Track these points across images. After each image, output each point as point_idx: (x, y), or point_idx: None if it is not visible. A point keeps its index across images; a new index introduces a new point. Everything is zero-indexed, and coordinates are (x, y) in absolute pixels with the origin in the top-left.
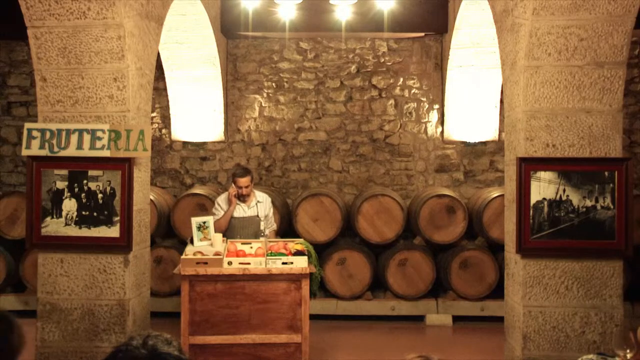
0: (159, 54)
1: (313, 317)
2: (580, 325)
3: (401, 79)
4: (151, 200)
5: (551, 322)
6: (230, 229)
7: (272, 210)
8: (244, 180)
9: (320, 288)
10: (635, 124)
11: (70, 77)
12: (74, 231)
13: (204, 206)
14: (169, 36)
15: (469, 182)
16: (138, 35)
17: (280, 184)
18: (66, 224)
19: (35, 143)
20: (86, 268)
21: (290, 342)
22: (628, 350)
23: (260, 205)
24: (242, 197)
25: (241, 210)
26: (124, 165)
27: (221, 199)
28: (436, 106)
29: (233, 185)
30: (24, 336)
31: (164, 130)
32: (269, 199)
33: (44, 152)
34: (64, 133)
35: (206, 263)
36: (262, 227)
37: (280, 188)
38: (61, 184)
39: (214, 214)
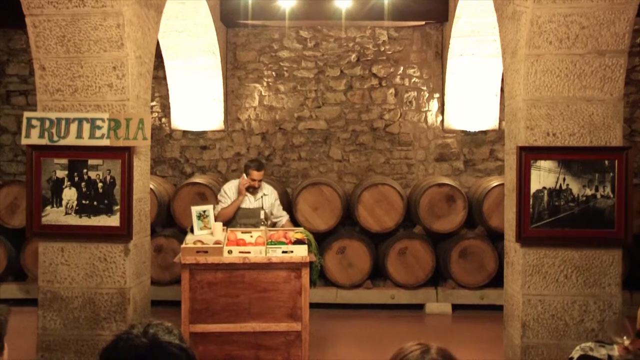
0: (158, 42)
1: (313, 305)
2: (579, 314)
3: (401, 68)
4: (151, 189)
5: (550, 311)
6: (233, 218)
7: (279, 202)
8: (259, 174)
9: (320, 277)
10: (635, 113)
11: (69, 65)
12: (74, 220)
13: (204, 195)
14: (168, 25)
15: (469, 171)
16: (137, 23)
17: (280, 173)
18: (66, 213)
19: (35, 132)
20: (87, 257)
21: (291, 331)
22: (625, 337)
23: (265, 198)
24: (253, 190)
25: (247, 202)
26: (124, 154)
27: (228, 187)
28: (436, 95)
29: (244, 176)
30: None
31: (163, 119)
32: (275, 192)
33: (44, 141)
34: (63, 122)
35: (206, 252)
36: (262, 217)
37: (280, 177)
38: (61, 173)
39: (219, 201)
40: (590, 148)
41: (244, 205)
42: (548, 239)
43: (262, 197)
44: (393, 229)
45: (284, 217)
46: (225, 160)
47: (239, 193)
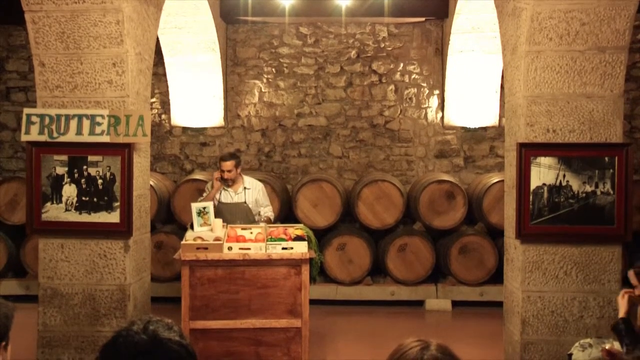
0: (158, 39)
1: (313, 302)
2: (578, 310)
3: (401, 64)
4: (151, 185)
5: (550, 307)
6: (217, 214)
7: (265, 196)
8: (226, 164)
9: (320, 273)
10: (636, 110)
11: (69, 62)
12: (74, 217)
13: (204, 192)
14: (168, 21)
15: (469, 168)
16: (137, 20)
17: (280, 169)
18: (66, 210)
19: (35, 128)
20: (87, 253)
21: (290, 327)
22: (607, 341)
23: (248, 192)
24: (226, 182)
25: (228, 196)
26: (124, 151)
27: (210, 184)
28: (436, 91)
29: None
30: (11, 313)
31: (163, 116)
32: (260, 185)
33: (44, 138)
34: (63, 118)
35: (206, 248)
36: (255, 213)
37: (280, 174)
38: (61, 170)
39: (202, 197)
40: (590, 145)
41: (225, 200)
42: (548, 235)
43: (243, 190)
44: (393, 226)
45: (264, 215)
46: None
47: (213, 186)
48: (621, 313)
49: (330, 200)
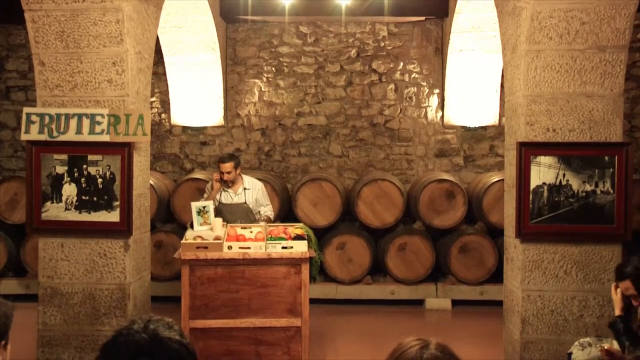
0: (157, 38)
1: (313, 301)
2: (578, 309)
3: (401, 64)
4: (151, 185)
5: (550, 306)
6: (217, 215)
7: (265, 196)
8: (225, 166)
9: (320, 272)
10: (636, 109)
11: (68, 61)
12: (74, 216)
13: (204, 191)
14: (167, 20)
15: (469, 167)
16: (137, 19)
17: (280, 168)
18: (66, 209)
19: (35, 128)
20: (86, 252)
21: (291, 326)
22: (605, 341)
23: (248, 192)
24: (225, 183)
25: (228, 197)
26: (124, 150)
27: (210, 185)
28: (436, 91)
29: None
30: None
31: (163, 115)
32: (260, 185)
33: (43, 137)
34: (63, 118)
35: (206, 247)
36: (255, 212)
37: (280, 173)
38: (61, 169)
39: (203, 198)
40: (590, 144)
41: (226, 201)
42: (548, 234)
43: (243, 191)
44: (393, 225)
45: (264, 214)
46: None
47: (212, 187)
48: (617, 310)
49: (330, 200)
